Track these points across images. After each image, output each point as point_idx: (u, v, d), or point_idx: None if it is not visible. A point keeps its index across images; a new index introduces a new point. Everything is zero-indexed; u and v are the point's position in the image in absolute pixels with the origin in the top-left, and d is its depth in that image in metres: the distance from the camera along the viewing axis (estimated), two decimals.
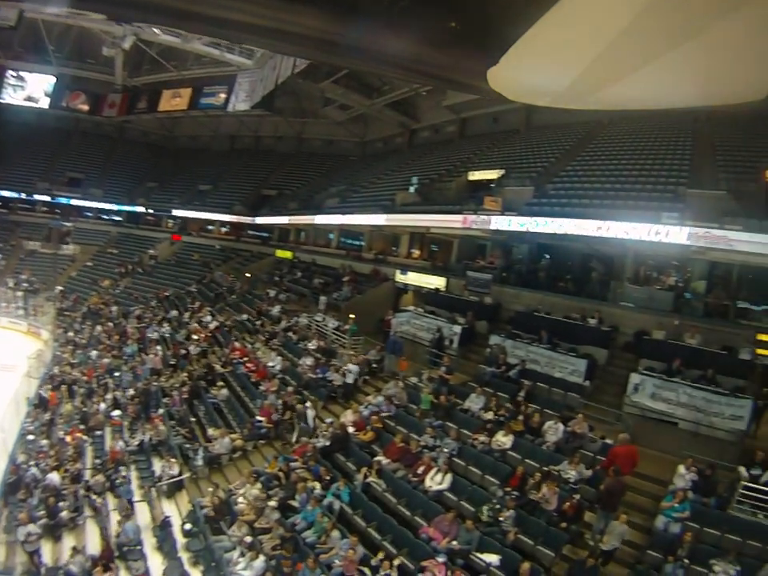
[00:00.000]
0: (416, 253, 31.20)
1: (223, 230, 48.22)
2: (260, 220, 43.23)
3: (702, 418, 13.37)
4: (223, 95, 39.77)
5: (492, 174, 28.19)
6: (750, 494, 10.83)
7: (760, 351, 15.19)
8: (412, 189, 31.19)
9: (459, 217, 23.38)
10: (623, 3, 2.63)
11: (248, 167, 51.48)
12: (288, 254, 38.58)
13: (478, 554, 10.33)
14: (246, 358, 21.42)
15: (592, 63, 3.07)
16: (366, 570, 10.39)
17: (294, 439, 15.91)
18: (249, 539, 11.51)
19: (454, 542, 10.58)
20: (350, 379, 17.56)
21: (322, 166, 48.45)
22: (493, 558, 10.17)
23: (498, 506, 11.18)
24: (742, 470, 11.32)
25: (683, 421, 13.68)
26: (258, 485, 13.40)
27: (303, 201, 41.08)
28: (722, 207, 17.18)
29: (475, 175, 29.73)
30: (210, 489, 13.62)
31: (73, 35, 41.34)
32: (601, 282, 19.98)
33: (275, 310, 26.61)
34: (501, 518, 10.92)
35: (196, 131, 54.87)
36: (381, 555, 10.43)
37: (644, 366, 15.32)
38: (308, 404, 16.51)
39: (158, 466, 15.54)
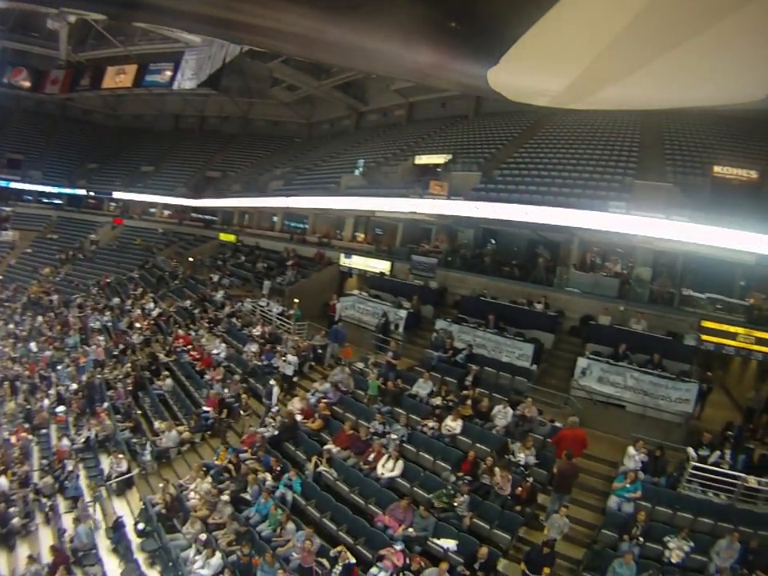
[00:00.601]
0: (360, 236, 30.84)
1: (166, 212, 46.60)
2: (203, 202, 41.92)
3: (648, 401, 13.73)
4: (169, 72, 37.68)
5: (439, 159, 28.01)
6: (699, 473, 11.09)
7: (705, 337, 15.65)
8: (357, 172, 30.87)
9: (410, 201, 23.14)
10: (623, 3, 2.57)
11: (192, 148, 49.75)
12: (231, 238, 37.49)
13: (435, 540, 10.30)
14: (189, 346, 20.59)
15: (592, 63, 2.98)
16: (325, 562, 10.13)
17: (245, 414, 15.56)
18: (203, 536, 10.98)
19: (410, 529, 10.46)
20: (289, 371, 16.83)
21: (267, 148, 47.41)
22: (450, 543, 10.17)
23: (451, 492, 11.11)
24: (691, 450, 11.54)
25: (630, 404, 13.99)
26: (209, 479, 12.91)
27: (247, 183, 40.14)
28: (669, 199, 17.56)
29: (422, 159, 29.33)
30: (161, 485, 12.97)
31: (17, 7, 38.76)
32: (547, 267, 20.05)
33: (219, 295, 25.72)
34: (455, 504, 10.86)
35: (140, 110, 52.62)
36: (340, 548, 10.18)
37: (591, 350, 15.51)
38: (272, 382, 15.97)
39: (105, 463, 14.87)
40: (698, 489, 11.13)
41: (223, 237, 38.31)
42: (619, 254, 19.79)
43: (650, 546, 10.11)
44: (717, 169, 20.04)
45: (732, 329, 15.70)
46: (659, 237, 16.17)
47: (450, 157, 27.39)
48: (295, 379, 16.94)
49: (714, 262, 16.74)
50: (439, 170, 26.63)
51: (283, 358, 17.21)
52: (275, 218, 37.62)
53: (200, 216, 44.06)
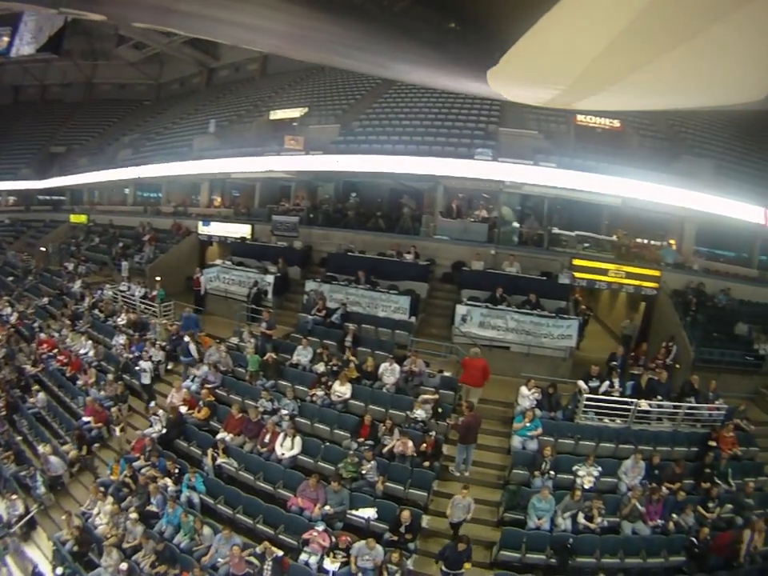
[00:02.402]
0: (217, 201, 28.94)
1: (11, 200, 40.78)
2: (48, 183, 37.42)
3: (532, 340, 14.10)
4: (6, 38, 32.63)
5: (295, 113, 26.74)
6: (593, 403, 11.64)
7: (579, 275, 16.22)
8: (210, 131, 28.93)
9: (266, 159, 22.11)
10: (623, 4, 2.60)
11: (34, 122, 44.00)
12: (83, 218, 33.76)
13: (354, 512, 9.96)
14: (56, 350, 18.04)
15: (591, 64, 3.12)
16: (254, 560, 9.26)
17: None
18: (124, 565, 9.60)
19: (327, 507, 9.94)
20: (146, 380, 14.95)
21: (114, 114, 43.26)
22: (369, 512, 9.90)
23: (356, 459, 10.66)
24: (581, 383, 11.99)
25: (515, 344, 14.23)
26: (110, 498, 11.29)
27: (94, 155, 36.58)
28: (534, 146, 17.93)
29: (277, 114, 27.96)
30: (63, 517, 11.13)
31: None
32: (412, 217, 19.64)
33: (76, 285, 22.95)
34: (363, 471, 10.50)
35: None
36: (263, 544, 9.43)
37: (467, 296, 15.50)
38: (186, 338, 14.99)
39: (1, 507, 12.62)
40: (594, 417, 11.68)
41: (74, 218, 34.41)
42: (486, 199, 19.74)
43: (562, 477, 10.48)
44: (579, 117, 20.60)
45: (603, 265, 16.49)
46: (527, 182, 16.50)
47: (306, 110, 26.23)
48: (170, 366, 15.71)
49: (581, 203, 17.28)
50: (295, 124, 25.30)
51: (137, 367, 15.42)
52: (127, 191, 34.38)
53: (47, 198, 39.62)
